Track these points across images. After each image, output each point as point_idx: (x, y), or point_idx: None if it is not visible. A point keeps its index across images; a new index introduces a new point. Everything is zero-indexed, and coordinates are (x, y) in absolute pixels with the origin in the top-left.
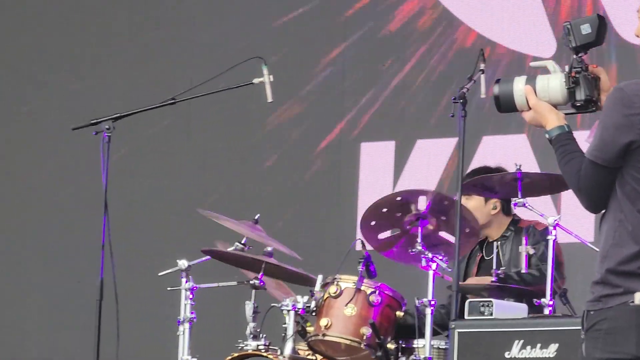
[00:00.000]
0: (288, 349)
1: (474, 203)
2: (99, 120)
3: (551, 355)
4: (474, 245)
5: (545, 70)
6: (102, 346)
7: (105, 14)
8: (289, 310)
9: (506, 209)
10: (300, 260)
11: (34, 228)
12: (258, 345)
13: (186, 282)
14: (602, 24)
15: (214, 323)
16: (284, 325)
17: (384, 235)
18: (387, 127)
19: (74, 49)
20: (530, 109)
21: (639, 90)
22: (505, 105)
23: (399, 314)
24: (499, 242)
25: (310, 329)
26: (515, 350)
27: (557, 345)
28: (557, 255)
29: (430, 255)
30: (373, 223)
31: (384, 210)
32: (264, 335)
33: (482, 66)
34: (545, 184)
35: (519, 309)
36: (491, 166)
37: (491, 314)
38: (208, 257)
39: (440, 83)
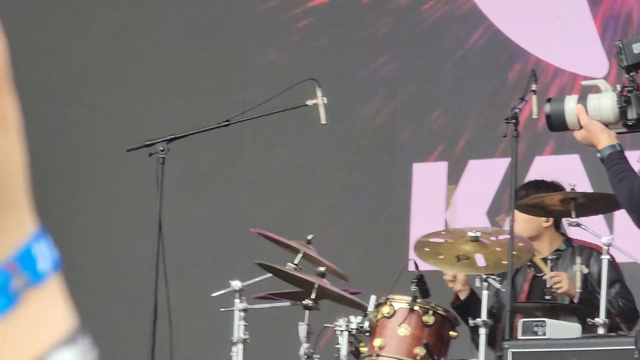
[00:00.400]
0: None
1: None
2: (154, 141)
3: None
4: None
5: (596, 89)
6: None
7: (159, 37)
8: (342, 331)
9: (557, 224)
10: (350, 283)
11: (88, 249)
12: None
13: (239, 302)
14: None
15: (268, 344)
16: (337, 346)
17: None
18: (439, 147)
19: (127, 70)
20: (581, 128)
21: None
22: (557, 124)
23: (453, 334)
24: (553, 257)
25: (363, 349)
26: None
27: None
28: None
29: (483, 275)
30: (427, 249)
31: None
32: (318, 356)
33: (534, 86)
34: (598, 204)
35: (573, 329)
36: (547, 180)
37: (544, 334)
38: (261, 277)
39: (492, 103)
